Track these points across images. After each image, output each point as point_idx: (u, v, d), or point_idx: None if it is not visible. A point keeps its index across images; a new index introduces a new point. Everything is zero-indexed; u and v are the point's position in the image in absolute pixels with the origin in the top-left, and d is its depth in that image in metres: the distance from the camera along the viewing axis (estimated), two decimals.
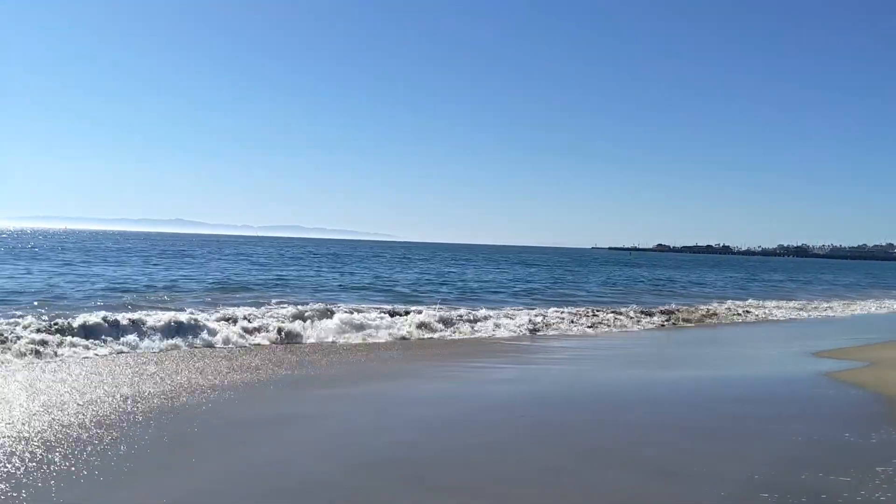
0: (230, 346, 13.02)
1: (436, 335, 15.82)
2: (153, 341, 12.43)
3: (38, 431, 6.79)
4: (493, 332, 16.85)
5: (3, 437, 6.49)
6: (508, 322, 17.98)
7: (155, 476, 5.79)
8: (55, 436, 6.66)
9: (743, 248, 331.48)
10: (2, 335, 11.19)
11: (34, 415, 7.34)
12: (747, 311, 25.75)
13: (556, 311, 20.78)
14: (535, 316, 19.47)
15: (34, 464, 5.84)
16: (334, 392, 9.50)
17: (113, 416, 7.41)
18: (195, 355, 11.68)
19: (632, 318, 21.10)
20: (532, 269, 58.39)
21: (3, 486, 5.33)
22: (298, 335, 14.38)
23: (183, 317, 14.18)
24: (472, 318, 17.87)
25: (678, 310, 23.68)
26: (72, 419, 7.25)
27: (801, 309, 28.57)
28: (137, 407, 7.89)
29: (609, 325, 19.52)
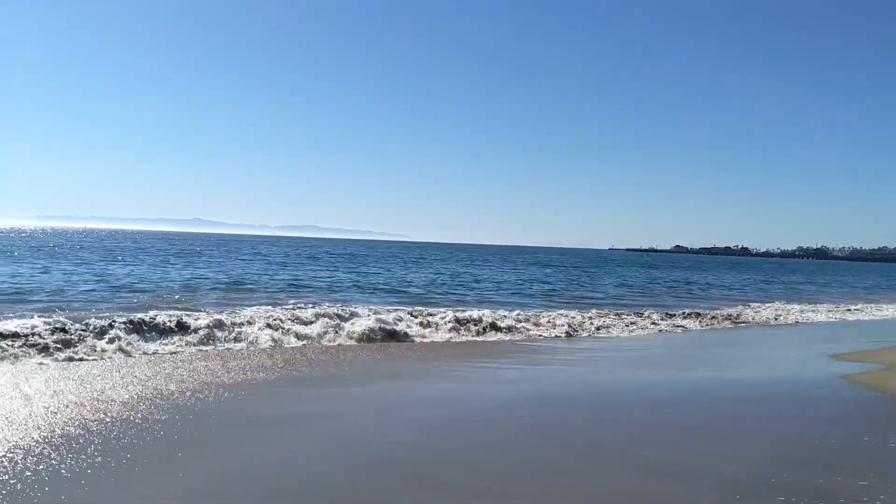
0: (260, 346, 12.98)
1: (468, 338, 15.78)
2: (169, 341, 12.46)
3: (56, 428, 6.83)
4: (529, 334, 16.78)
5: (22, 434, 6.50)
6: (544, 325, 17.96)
7: (160, 473, 5.79)
8: (75, 432, 6.69)
9: (761, 250, 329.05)
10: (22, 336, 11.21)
11: (54, 411, 7.36)
12: (768, 314, 25.45)
13: (583, 314, 20.67)
14: (569, 318, 19.39)
15: (45, 460, 5.86)
16: (336, 391, 9.45)
17: (136, 415, 7.42)
18: (198, 357, 11.66)
19: (654, 320, 20.88)
20: (548, 270, 58.17)
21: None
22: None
23: (203, 319, 14.17)
24: (507, 325, 17.59)
25: (699, 313, 23.47)
26: (90, 416, 7.26)
27: (820, 311, 28.22)
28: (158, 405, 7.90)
29: (644, 328, 19.39)
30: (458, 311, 18.87)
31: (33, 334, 11.31)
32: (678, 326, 20.43)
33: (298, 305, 18.46)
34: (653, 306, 26.10)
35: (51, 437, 6.57)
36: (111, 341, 11.62)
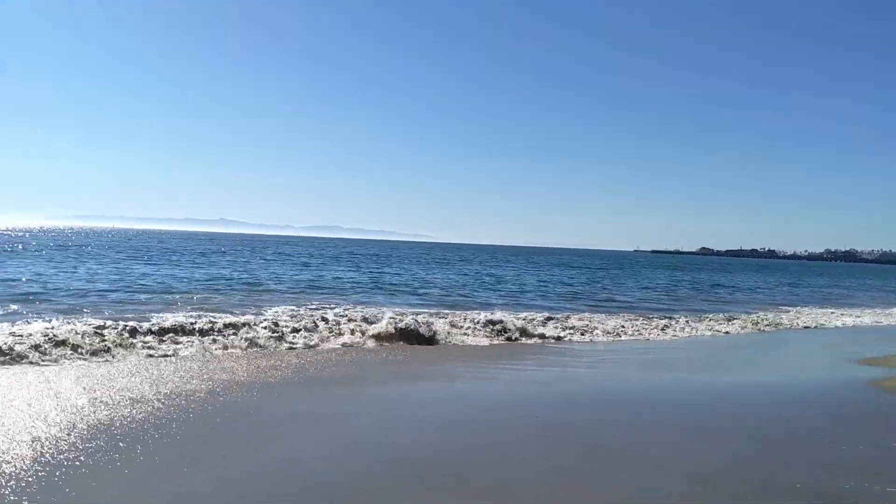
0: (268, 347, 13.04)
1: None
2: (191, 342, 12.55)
3: (80, 425, 6.87)
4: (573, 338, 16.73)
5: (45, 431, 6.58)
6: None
7: (169, 471, 5.81)
8: (98, 428, 6.73)
9: (788, 253, 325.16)
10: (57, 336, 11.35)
11: (78, 409, 7.44)
12: (797, 318, 25.12)
13: (610, 316, 20.52)
14: (597, 321, 19.27)
15: (64, 454, 5.86)
16: (350, 392, 9.45)
17: (161, 414, 7.47)
18: (218, 357, 11.72)
19: (683, 324, 20.67)
20: (572, 271, 57.86)
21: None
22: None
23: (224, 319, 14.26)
24: (533, 327, 17.43)
25: (728, 317, 23.25)
26: (116, 415, 7.31)
27: (848, 315, 27.81)
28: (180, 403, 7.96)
29: (673, 332, 19.21)
30: (482, 313, 18.83)
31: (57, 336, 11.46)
32: (707, 330, 20.16)
33: (322, 306, 18.56)
34: (682, 310, 25.85)
35: (73, 432, 6.64)
36: (134, 342, 11.73)
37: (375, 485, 5.64)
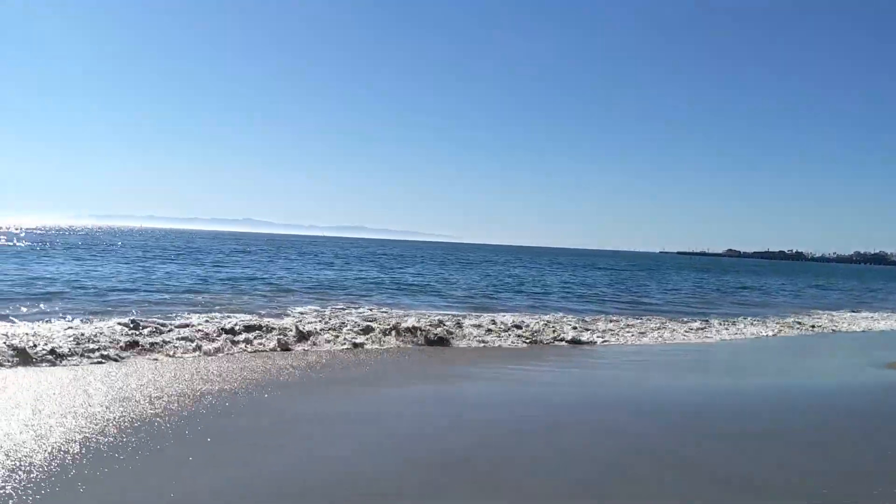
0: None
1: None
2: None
3: (112, 421, 6.93)
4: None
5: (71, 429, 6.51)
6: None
7: (197, 470, 5.81)
8: (127, 425, 6.70)
9: (817, 255, 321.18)
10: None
11: (107, 406, 7.39)
12: (829, 322, 24.62)
13: (637, 318, 20.24)
14: (624, 323, 19.00)
15: (95, 448, 5.87)
16: (380, 392, 9.44)
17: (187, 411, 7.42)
18: (244, 357, 11.65)
19: (709, 327, 20.33)
20: (598, 272, 57.42)
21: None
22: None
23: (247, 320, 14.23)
24: (558, 329, 17.19)
25: (756, 320, 22.84)
26: (143, 411, 7.31)
27: (880, 319, 27.22)
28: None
29: (702, 335, 18.86)
30: (508, 314, 18.67)
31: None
32: (741, 333, 19.74)
33: (347, 306, 18.50)
34: (712, 312, 25.46)
35: (104, 428, 6.68)
36: (158, 342, 11.69)
37: (405, 485, 5.61)
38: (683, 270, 78.74)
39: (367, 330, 14.29)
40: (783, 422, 8.48)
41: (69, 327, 12.18)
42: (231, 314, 15.18)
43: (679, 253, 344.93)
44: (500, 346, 14.44)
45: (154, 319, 13.70)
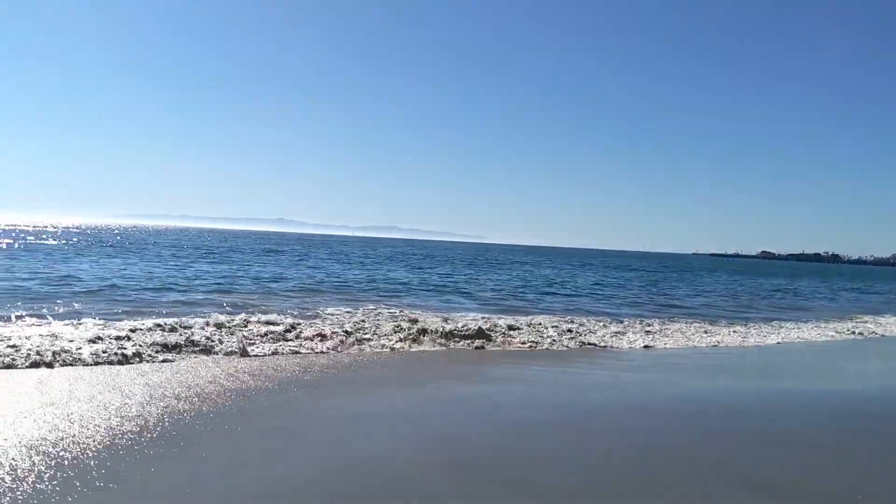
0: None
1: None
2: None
3: (151, 417, 7.01)
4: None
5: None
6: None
7: (234, 469, 5.83)
8: (167, 422, 6.80)
9: (853, 257, 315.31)
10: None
11: (146, 403, 7.45)
12: (875, 327, 24.09)
13: (673, 322, 19.99)
14: (657, 326, 18.79)
15: (139, 443, 5.94)
16: (415, 392, 9.45)
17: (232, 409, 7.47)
18: (277, 358, 11.69)
19: (754, 331, 20.01)
20: (629, 274, 56.94)
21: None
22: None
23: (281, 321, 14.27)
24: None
25: (798, 325, 22.47)
26: (181, 409, 7.37)
27: None
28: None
29: (746, 339, 18.57)
30: (541, 316, 18.55)
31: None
32: (779, 336, 19.36)
33: (379, 306, 18.51)
34: (748, 315, 25.08)
35: (146, 426, 6.77)
36: (198, 340, 11.77)
37: (435, 484, 5.62)
38: (717, 272, 77.74)
39: (398, 330, 14.29)
40: (817, 427, 8.31)
41: (99, 326, 12.33)
42: (262, 314, 15.27)
43: (712, 255, 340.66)
44: (532, 348, 14.33)
45: (187, 319, 13.84)
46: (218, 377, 9.46)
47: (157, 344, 11.22)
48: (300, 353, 11.93)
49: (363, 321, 15.36)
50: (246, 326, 13.48)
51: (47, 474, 5.44)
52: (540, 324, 17.21)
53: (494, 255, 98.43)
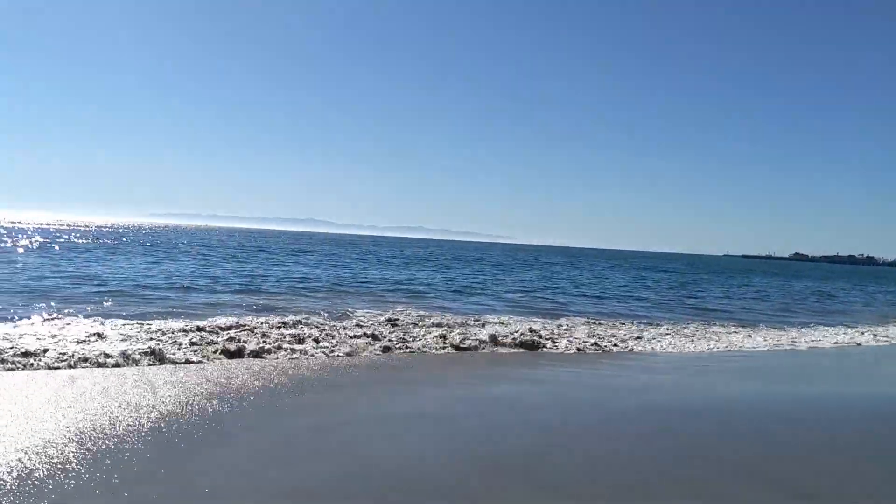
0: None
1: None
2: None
3: (190, 414, 7.05)
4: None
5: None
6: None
7: (266, 467, 5.86)
8: (201, 420, 6.85)
9: (889, 259, 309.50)
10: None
11: (181, 402, 7.42)
12: None
13: (711, 326, 19.64)
14: (694, 329, 18.48)
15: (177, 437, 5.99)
16: (448, 393, 9.44)
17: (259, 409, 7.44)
18: (308, 360, 11.63)
19: (793, 335, 19.59)
20: (660, 275, 56.33)
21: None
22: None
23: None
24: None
25: (837, 329, 21.98)
26: (220, 407, 7.41)
27: None
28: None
29: (779, 342, 18.18)
30: (573, 318, 18.33)
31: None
32: (818, 341, 18.89)
33: (409, 309, 18.40)
34: (784, 319, 24.64)
35: (177, 424, 6.80)
36: (222, 341, 11.75)
37: (465, 485, 5.61)
38: (749, 274, 76.65)
39: (428, 334, 14.18)
40: (861, 432, 8.13)
41: (129, 326, 12.39)
42: (294, 315, 15.27)
43: (744, 256, 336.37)
44: (563, 351, 14.12)
45: (215, 319, 13.86)
46: (247, 378, 9.48)
47: (187, 345, 11.24)
48: (330, 354, 11.86)
49: (392, 322, 15.29)
50: (275, 328, 13.44)
51: (85, 470, 5.51)
52: (570, 326, 17.03)
53: (523, 256, 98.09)
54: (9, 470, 5.40)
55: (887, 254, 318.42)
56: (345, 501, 5.21)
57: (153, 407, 7.52)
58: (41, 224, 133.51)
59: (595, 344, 14.82)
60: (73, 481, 5.25)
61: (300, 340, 12.49)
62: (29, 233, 72.32)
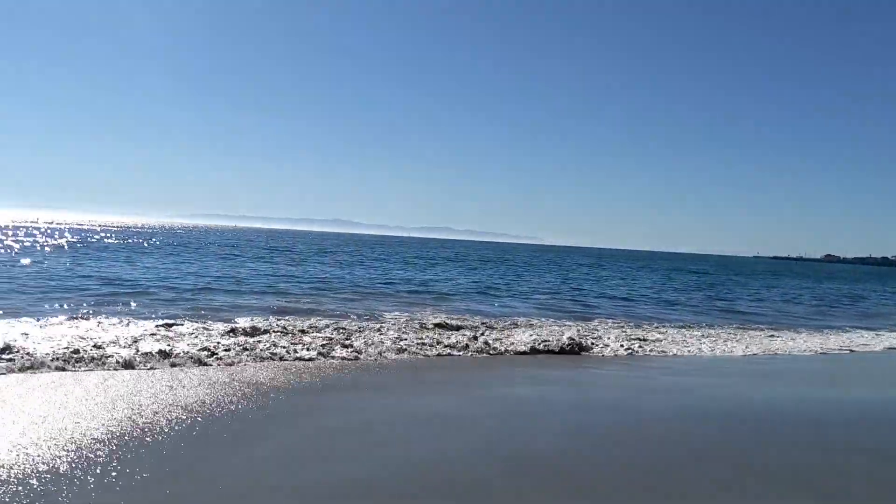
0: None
1: None
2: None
3: (236, 413, 7.03)
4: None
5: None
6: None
7: (293, 465, 5.90)
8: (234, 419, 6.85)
9: None
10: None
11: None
12: None
13: (747, 329, 19.34)
14: (728, 332, 18.22)
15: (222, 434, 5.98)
16: (474, 394, 9.42)
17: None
18: (334, 362, 11.60)
19: (834, 339, 19.23)
20: (689, 276, 55.71)
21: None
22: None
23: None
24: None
25: (878, 333, 21.55)
26: (253, 406, 7.39)
27: None
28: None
29: (813, 345, 17.86)
30: (607, 320, 18.17)
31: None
32: (857, 346, 18.48)
33: (436, 311, 18.36)
34: (816, 324, 24.20)
35: (210, 423, 6.86)
36: (255, 343, 11.76)
37: (492, 486, 5.60)
38: (780, 276, 75.59)
39: (453, 335, 14.12)
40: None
41: (160, 327, 12.46)
42: (325, 317, 15.36)
43: (774, 258, 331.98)
44: (594, 354, 13.96)
45: (247, 320, 13.92)
46: (279, 378, 9.49)
47: (216, 346, 11.31)
48: (359, 356, 11.81)
49: (422, 325, 15.28)
50: (303, 330, 13.46)
51: (116, 466, 5.57)
52: (598, 328, 16.88)
53: (550, 257, 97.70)
54: (54, 464, 5.46)
55: None
56: (375, 500, 5.22)
57: (182, 406, 7.53)
58: (74, 224, 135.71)
59: (626, 347, 14.63)
60: (101, 479, 5.25)
61: (329, 342, 12.47)
62: (62, 232, 73.59)
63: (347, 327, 14.09)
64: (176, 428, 6.74)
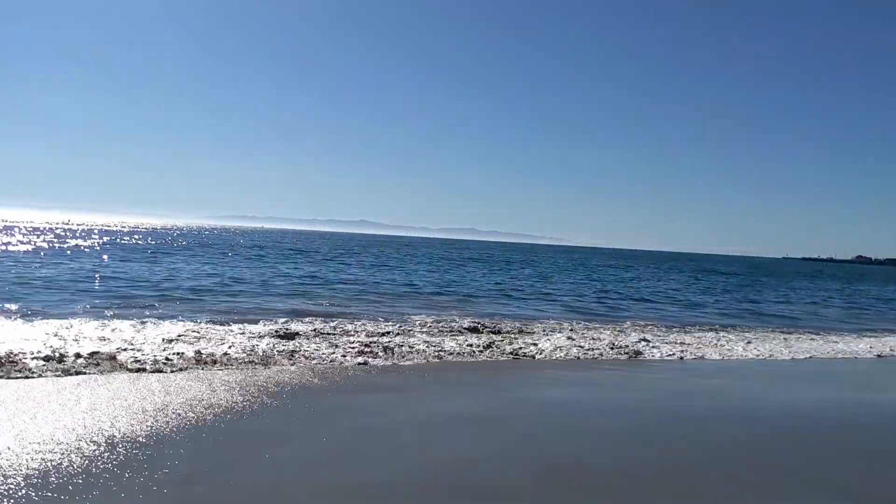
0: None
1: None
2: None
3: (261, 413, 6.99)
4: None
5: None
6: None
7: (320, 466, 5.92)
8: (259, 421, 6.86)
9: None
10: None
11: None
12: None
13: (785, 332, 19.02)
14: (762, 335, 17.94)
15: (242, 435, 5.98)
16: (501, 395, 9.44)
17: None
18: (360, 363, 11.57)
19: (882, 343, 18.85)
20: (718, 277, 55.05)
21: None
22: None
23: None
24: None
25: None
26: (281, 405, 7.38)
27: None
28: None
29: (855, 349, 17.51)
30: (633, 321, 18.00)
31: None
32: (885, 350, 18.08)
33: (463, 315, 18.28)
34: (848, 327, 23.77)
35: (237, 423, 6.78)
36: (288, 346, 11.76)
37: (514, 489, 5.59)
38: (812, 278, 74.49)
39: (479, 339, 14.03)
40: None
41: (189, 329, 12.51)
42: (354, 320, 15.41)
43: (803, 259, 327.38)
44: (645, 359, 13.78)
45: (274, 323, 13.94)
46: (310, 380, 9.49)
47: (244, 348, 11.30)
48: (388, 358, 11.76)
49: (447, 326, 15.22)
50: (334, 332, 13.46)
51: (147, 467, 5.57)
52: (625, 331, 16.71)
53: (576, 258, 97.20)
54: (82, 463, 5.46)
55: None
56: (404, 501, 5.23)
57: (215, 407, 7.55)
58: (104, 225, 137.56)
59: (652, 348, 14.43)
60: (126, 481, 5.24)
61: (357, 345, 12.43)
62: (95, 234, 74.62)
63: (376, 330, 14.06)
64: (208, 429, 6.76)
